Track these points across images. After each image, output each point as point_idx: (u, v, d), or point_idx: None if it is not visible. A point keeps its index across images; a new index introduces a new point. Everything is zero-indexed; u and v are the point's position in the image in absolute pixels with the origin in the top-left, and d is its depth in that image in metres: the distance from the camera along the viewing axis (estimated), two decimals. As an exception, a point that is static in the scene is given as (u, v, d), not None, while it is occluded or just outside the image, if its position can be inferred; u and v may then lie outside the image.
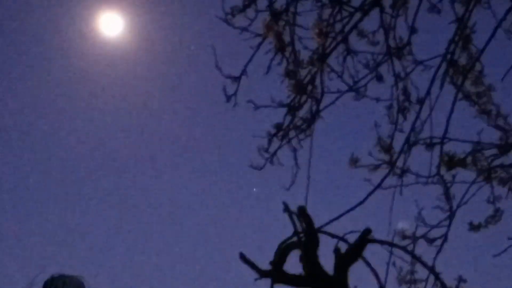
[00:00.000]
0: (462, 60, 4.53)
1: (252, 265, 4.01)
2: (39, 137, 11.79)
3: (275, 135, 4.88)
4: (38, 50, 10.63)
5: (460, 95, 4.55)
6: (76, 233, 12.16)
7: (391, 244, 4.27)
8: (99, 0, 9.02)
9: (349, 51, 4.76)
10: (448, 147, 4.58)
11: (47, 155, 11.95)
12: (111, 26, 9.32)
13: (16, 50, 10.95)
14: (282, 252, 4.06)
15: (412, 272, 4.59)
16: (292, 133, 4.87)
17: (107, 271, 11.16)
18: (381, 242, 4.15)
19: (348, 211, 4.32)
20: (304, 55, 4.71)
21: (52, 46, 10.39)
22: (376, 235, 4.11)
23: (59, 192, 12.19)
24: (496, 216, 4.77)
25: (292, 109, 4.81)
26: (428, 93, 4.39)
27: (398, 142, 4.73)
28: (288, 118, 4.85)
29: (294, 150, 4.88)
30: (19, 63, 11.12)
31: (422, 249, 4.58)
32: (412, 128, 4.54)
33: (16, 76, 11.24)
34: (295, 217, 4.14)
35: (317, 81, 4.77)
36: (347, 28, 4.65)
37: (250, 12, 4.63)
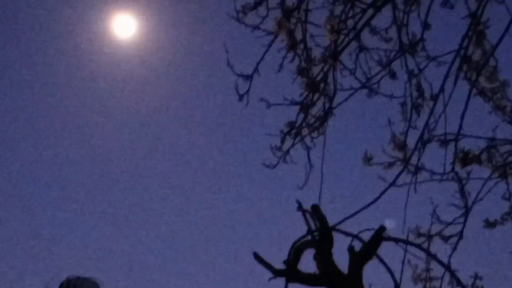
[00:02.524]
0: (476, 56, 4.49)
1: (266, 264, 3.99)
2: (52, 139, 11.83)
3: (287, 133, 4.86)
4: (52, 51, 10.68)
5: (474, 91, 4.51)
6: (92, 235, 12.20)
7: (406, 242, 4.24)
8: (112, 1, 9.03)
9: (362, 48, 4.73)
10: (463, 143, 4.54)
11: (62, 157, 12.00)
12: (124, 27, 9.34)
13: (30, 52, 11.00)
14: (296, 251, 4.04)
15: (427, 270, 4.56)
16: (304, 131, 4.86)
17: (122, 273, 11.19)
18: (396, 240, 4.12)
19: (362, 209, 4.29)
20: (317, 53, 4.70)
21: (65, 48, 10.43)
22: (390, 233, 4.08)
23: (76, 195, 12.23)
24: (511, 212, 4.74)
25: (305, 107, 4.79)
26: (442, 89, 4.36)
27: (412, 139, 4.70)
28: (301, 116, 4.84)
29: (307, 148, 4.86)
30: (33, 64, 11.17)
31: (437, 246, 4.55)
32: (426, 125, 4.50)
33: (30, 78, 11.29)
34: (308, 216, 4.12)
35: (330, 79, 4.76)
36: (359, 25, 4.62)
37: (262, 10, 4.62)
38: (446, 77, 4.36)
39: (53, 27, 10.33)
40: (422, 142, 4.57)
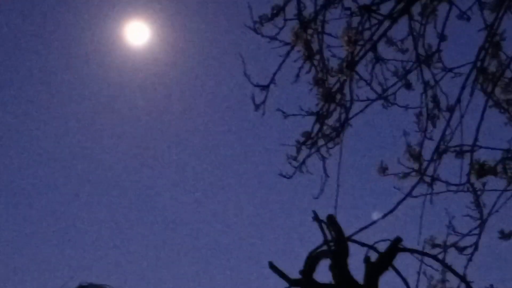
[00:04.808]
0: (492, 67, 4.50)
1: (282, 274, 4.01)
2: (64, 145, 11.88)
3: (303, 143, 4.87)
4: (65, 58, 10.74)
5: (490, 103, 4.52)
6: (105, 242, 12.23)
7: (422, 253, 4.24)
8: (126, 9, 9.08)
9: (378, 59, 4.74)
10: (478, 155, 4.55)
11: (74, 163, 12.04)
12: (138, 35, 9.38)
13: (43, 59, 11.07)
14: (311, 261, 4.06)
15: (443, 281, 4.55)
16: (321, 142, 4.87)
17: (135, 281, 11.21)
18: (412, 251, 4.13)
19: (378, 219, 4.31)
20: (333, 63, 4.71)
21: (79, 54, 10.49)
22: (406, 243, 4.09)
23: (89, 201, 12.27)
24: (527, 224, 4.73)
25: (321, 117, 4.80)
26: (459, 100, 4.37)
27: (428, 150, 4.71)
28: (317, 126, 4.85)
29: (323, 159, 4.87)
30: (46, 71, 11.24)
31: (452, 257, 4.55)
32: (442, 136, 4.51)
33: (43, 84, 11.35)
34: (324, 226, 4.14)
35: (346, 89, 4.77)
36: (376, 36, 4.63)
37: (279, 20, 4.64)
38: (463, 88, 4.37)
39: (66, 35, 10.40)
40: (438, 153, 4.58)
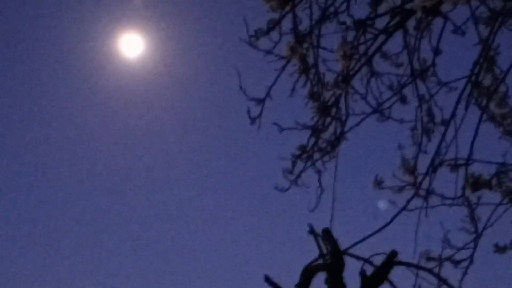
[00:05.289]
0: (487, 82, 4.52)
1: (278, 288, 4.01)
2: (59, 152, 11.87)
3: (299, 157, 4.88)
4: (59, 69, 10.75)
5: (485, 117, 4.54)
6: (103, 246, 12.21)
7: (417, 267, 4.25)
8: (120, 20, 9.09)
9: (373, 73, 4.76)
10: (473, 168, 4.57)
11: (70, 173, 12.03)
12: (132, 46, 9.38)
13: (37, 70, 11.07)
14: (307, 274, 4.06)
15: (438, 294, 4.55)
16: (316, 155, 4.88)
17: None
18: (407, 265, 4.14)
19: (373, 233, 4.32)
20: (328, 77, 4.73)
21: (73, 65, 10.50)
22: (402, 257, 4.10)
23: (84, 205, 12.26)
24: (522, 238, 4.74)
25: (317, 131, 4.82)
26: (453, 114, 4.39)
27: (423, 163, 4.73)
28: (312, 140, 4.86)
29: (319, 172, 4.88)
30: (40, 82, 11.24)
31: (448, 271, 4.55)
32: (437, 150, 4.53)
33: (37, 94, 11.35)
34: (320, 239, 4.14)
35: (341, 103, 4.79)
36: (371, 50, 4.66)
37: (274, 34, 4.66)
38: (457, 102, 4.39)
39: (61, 46, 10.41)
40: (433, 167, 4.59)
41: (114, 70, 9.86)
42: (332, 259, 4.05)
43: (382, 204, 4.52)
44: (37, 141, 11.99)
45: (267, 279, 4.05)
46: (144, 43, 9.33)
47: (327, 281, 3.99)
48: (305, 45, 4.68)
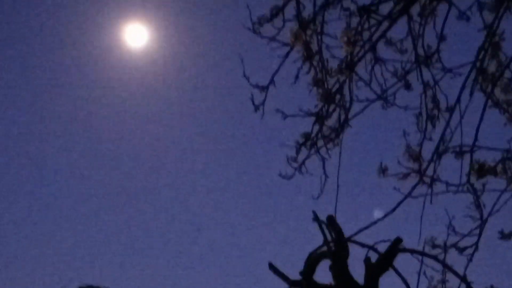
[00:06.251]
0: (492, 68, 4.50)
1: (282, 275, 4.01)
2: (62, 146, 11.88)
3: (303, 144, 4.87)
4: (64, 61, 10.74)
5: (490, 103, 4.52)
6: (105, 243, 12.23)
7: (422, 253, 4.24)
8: (124, 11, 9.08)
9: (377, 60, 4.74)
10: (478, 155, 4.54)
11: (73, 168, 12.04)
12: (136, 37, 9.37)
13: (42, 61, 11.06)
14: (311, 262, 4.06)
15: (443, 281, 4.54)
16: (320, 142, 4.87)
17: (133, 283, 11.21)
18: (412, 251, 4.13)
19: (378, 220, 4.31)
20: (332, 64, 4.71)
21: (78, 57, 10.49)
22: (406, 244, 4.09)
23: (88, 203, 12.27)
24: (527, 224, 4.72)
25: (321, 118, 4.80)
26: (458, 101, 4.37)
27: (427, 150, 4.71)
28: (316, 127, 4.85)
29: (323, 159, 4.87)
30: (45, 73, 11.24)
31: (453, 258, 4.54)
32: (442, 136, 4.51)
33: (42, 86, 11.35)
34: (324, 227, 4.14)
35: (345, 90, 4.77)
36: (375, 37, 4.63)
37: (278, 21, 4.64)
38: (462, 88, 4.37)
39: (65, 37, 10.40)
40: (438, 154, 4.57)
41: (119, 60, 9.86)
42: (336, 246, 4.04)
43: (377, 213, 4.51)
44: (41, 134, 12.00)
45: (271, 266, 4.05)
46: (148, 33, 9.32)
47: (331, 268, 3.98)
48: (309, 31, 4.66)
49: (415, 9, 4.55)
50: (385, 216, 4.31)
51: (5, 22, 10.87)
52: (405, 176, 4.76)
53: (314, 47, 4.69)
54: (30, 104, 11.75)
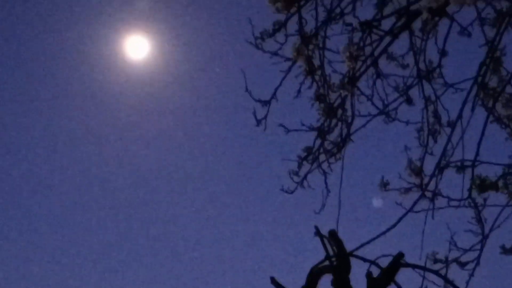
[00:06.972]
0: (493, 83, 4.51)
1: (284, 290, 4.00)
2: (63, 154, 11.89)
3: (305, 158, 4.88)
4: (64, 72, 10.75)
5: (491, 118, 4.53)
6: (105, 245, 12.22)
7: (424, 268, 4.23)
8: (125, 22, 9.10)
9: (379, 75, 4.76)
10: (480, 170, 4.55)
11: (73, 176, 12.04)
12: (138, 48, 9.38)
13: (43, 73, 11.08)
14: (313, 277, 4.05)
15: (445, 296, 4.54)
16: (322, 157, 4.88)
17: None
18: (414, 266, 4.12)
19: (380, 235, 4.30)
20: (334, 79, 4.73)
21: (78, 68, 10.50)
22: (408, 259, 4.09)
23: (88, 204, 12.27)
24: (529, 239, 4.72)
25: (322, 132, 4.82)
26: (460, 116, 4.38)
27: (429, 165, 4.72)
28: (318, 141, 4.86)
29: (325, 174, 4.88)
30: (46, 85, 11.25)
31: (454, 273, 4.54)
32: (444, 151, 4.52)
33: (43, 99, 11.36)
34: (326, 241, 4.13)
35: (347, 105, 4.78)
36: (377, 52, 4.66)
37: (280, 36, 4.66)
38: (464, 103, 4.38)
39: (66, 48, 10.42)
40: (439, 168, 4.58)
41: (120, 72, 9.87)
42: (338, 261, 4.04)
43: (376, 202, 4.51)
44: (40, 145, 12.01)
45: (273, 281, 4.04)
46: (150, 45, 9.33)
47: (333, 283, 3.98)
48: (311, 46, 4.68)
49: (416, 25, 4.57)
50: (387, 230, 4.31)
51: (6, 30, 10.89)
52: (407, 190, 4.77)
53: (316, 61, 4.71)
54: (31, 115, 11.77)
